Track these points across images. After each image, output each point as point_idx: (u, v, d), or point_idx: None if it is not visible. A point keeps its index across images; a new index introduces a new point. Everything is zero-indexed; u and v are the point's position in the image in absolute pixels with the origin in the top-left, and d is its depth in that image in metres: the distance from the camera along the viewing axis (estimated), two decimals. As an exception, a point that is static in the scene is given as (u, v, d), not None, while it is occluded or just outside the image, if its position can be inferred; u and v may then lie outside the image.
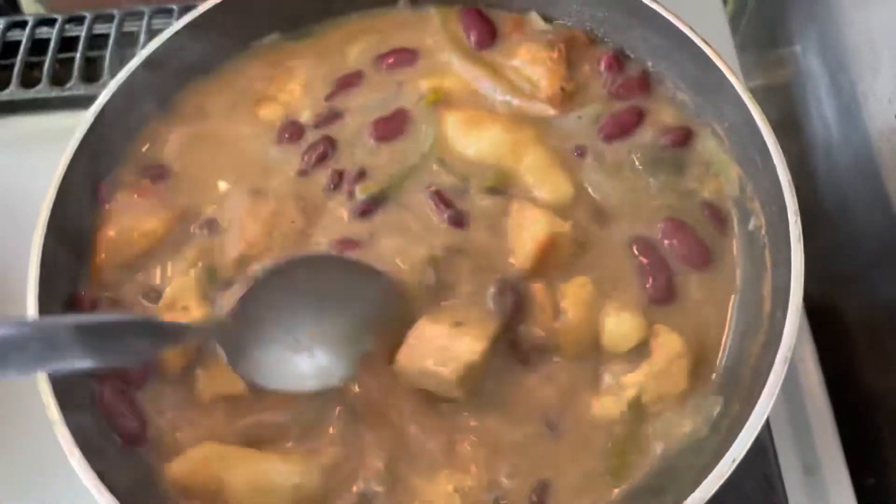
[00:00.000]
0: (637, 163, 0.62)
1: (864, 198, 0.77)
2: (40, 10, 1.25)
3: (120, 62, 0.90)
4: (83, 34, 0.93)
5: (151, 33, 0.92)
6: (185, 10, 0.91)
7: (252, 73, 0.70)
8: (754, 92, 0.99)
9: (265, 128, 0.66)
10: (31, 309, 0.54)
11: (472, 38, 0.69)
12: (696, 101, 0.63)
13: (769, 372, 0.49)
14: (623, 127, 0.63)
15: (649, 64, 0.66)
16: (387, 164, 0.62)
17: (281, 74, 0.69)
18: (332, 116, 0.66)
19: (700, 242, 0.59)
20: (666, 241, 0.59)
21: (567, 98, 0.64)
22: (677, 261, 0.58)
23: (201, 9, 0.66)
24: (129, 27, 0.94)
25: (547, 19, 0.70)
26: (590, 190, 0.61)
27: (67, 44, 0.93)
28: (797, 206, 0.53)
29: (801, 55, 0.87)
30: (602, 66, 0.66)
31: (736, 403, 0.52)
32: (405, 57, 0.69)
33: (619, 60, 0.66)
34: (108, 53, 0.91)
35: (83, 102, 0.88)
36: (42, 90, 0.89)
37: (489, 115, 0.64)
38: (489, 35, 0.69)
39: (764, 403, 0.48)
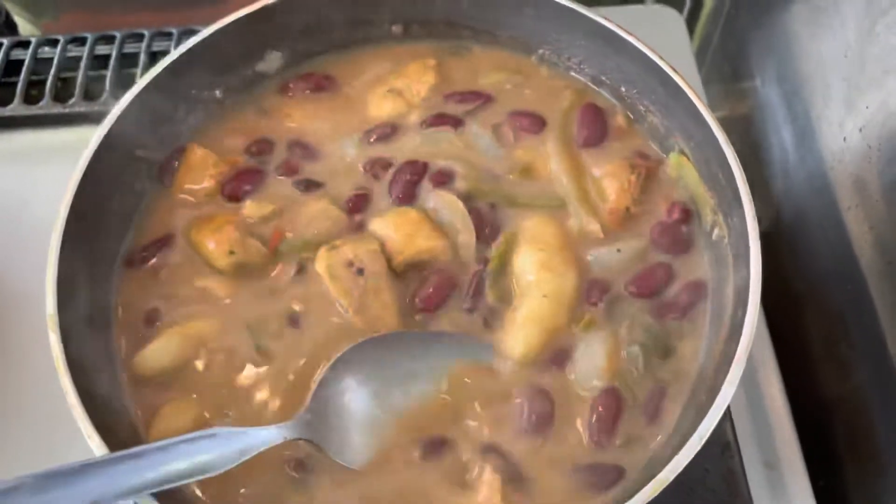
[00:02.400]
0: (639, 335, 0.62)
1: (819, 215, 0.83)
2: (35, 32, 1.30)
3: (119, 81, 0.95)
4: (85, 54, 0.97)
5: (151, 55, 0.97)
6: (184, 33, 0.97)
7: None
8: (720, 122, 1.06)
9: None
10: (51, 309, 0.57)
11: (582, 135, 0.71)
12: (665, 123, 0.69)
13: (731, 363, 0.54)
14: (652, 287, 0.64)
15: (623, 89, 0.72)
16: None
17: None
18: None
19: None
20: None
21: (626, 219, 0.66)
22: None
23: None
24: (129, 49, 0.98)
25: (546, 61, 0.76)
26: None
27: (69, 63, 0.97)
28: (755, 213, 0.58)
29: (761, 86, 0.94)
30: (668, 210, 0.67)
31: (702, 395, 0.57)
32: (535, 124, 0.71)
33: (686, 213, 0.67)
34: (109, 73, 0.95)
35: (84, 119, 0.93)
36: (44, 107, 0.93)
37: (561, 262, 0.63)
38: (598, 137, 0.70)
39: (727, 391, 0.52)
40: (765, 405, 0.77)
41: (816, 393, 0.88)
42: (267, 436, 0.52)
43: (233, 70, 0.73)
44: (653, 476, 0.49)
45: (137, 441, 0.57)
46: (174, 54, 0.68)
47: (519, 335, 0.61)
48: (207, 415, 0.58)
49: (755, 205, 0.58)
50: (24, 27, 1.26)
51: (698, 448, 0.50)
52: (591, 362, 0.59)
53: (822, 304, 0.87)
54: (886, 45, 0.65)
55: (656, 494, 0.48)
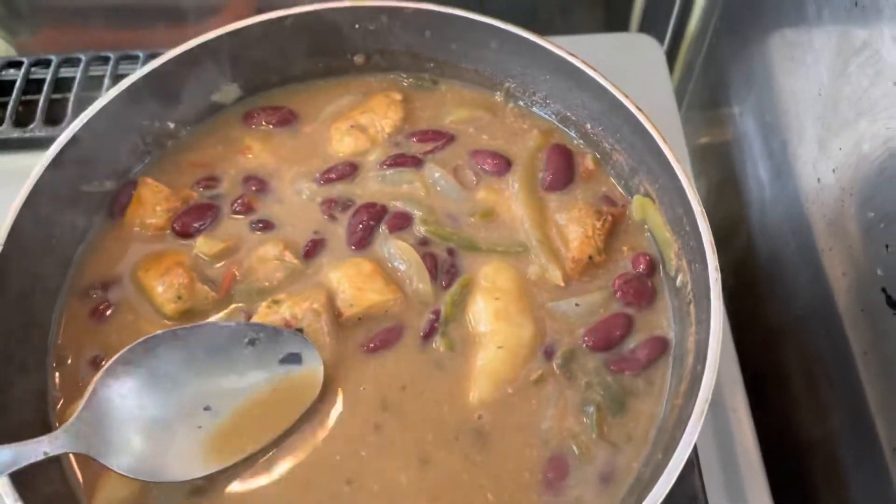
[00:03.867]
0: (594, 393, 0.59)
1: (795, 253, 0.81)
2: (10, 50, 1.28)
3: (81, 106, 0.93)
4: (48, 77, 0.95)
5: (116, 78, 0.95)
6: (150, 56, 0.95)
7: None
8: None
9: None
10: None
11: (546, 177, 0.69)
12: (630, 162, 0.67)
13: (688, 420, 0.51)
14: (609, 340, 0.61)
15: (588, 126, 0.70)
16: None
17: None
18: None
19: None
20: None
21: (589, 267, 0.64)
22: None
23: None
24: (94, 71, 0.96)
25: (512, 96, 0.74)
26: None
27: (33, 86, 0.95)
28: (717, 264, 0.56)
29: (739, 117, 0.92)
30: (632, 260, 0.65)
31: (659, 452, 0.55)
32: (499, 165, 0.69)
33: (652, 265, 0.65)
34: (71, 96, 0.93)
35: (44, 144, 0.90)
36: (4, 130, 0.91)
37: (518, 311, 0.62)
38: (564, 181, 0.69)
39: (682, 450, 0.50)
40: (736, 453, 0.75)
41: (794, 434, 0.86)
42: (24, 453, 0.49)
43: (187, 100, 0.71)
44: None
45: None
46: (122, 84, 0.66)
47: (473, 386, 0.59)
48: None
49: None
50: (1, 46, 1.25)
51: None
52: (541, 420, 0.57)
53: (802, 342, 0.85)
54: (859, 87, 0.63)
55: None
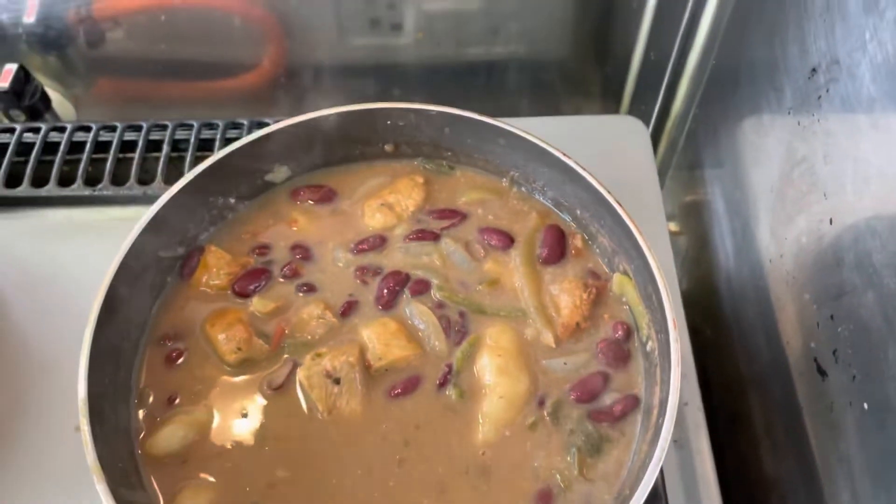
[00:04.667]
0: (577, 437, 0.72)
1: (755, 317, 0.94)
2: (66, 103, 1.43)
3: (143, 168, 1.08)
4: (115, 140, 1.09)
5: (173, 143, 1.09)
6: (204, 125, 1.09)
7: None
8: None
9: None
10: (82, 393, 0.68)
11: (543, 253, 0.82)
12: (612, 245, 0.81)
13: (650, 464, 0.65)
14: (591, 394, 0.74)
15: (579, 212, 0.84)
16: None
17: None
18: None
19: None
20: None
21: (576, 331, 0.77)
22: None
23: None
24: (153, 136, 1.11)
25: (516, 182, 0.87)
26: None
27: (101, 147, 1.10)
28: (678, 336, 0.69)
29: (712, 195, 1.06)
30: (612, 326, 0.78)
31: (627, 489, 0.68)
32: (504, 241, 0.82)
33: (628, 331, 0.78)
34: (135, 159, 1.07)
35: (111, 201, 1.05)
36: (76, 189, 1.05)
37: (516, 367, 0.74)
38: (557, 256, 0.82)
39: (644, 488, 0.63)
40: (699, 489, 0.87)
41: (755, 472, 0.98)
42: None
43: (246, 179, 0.85)
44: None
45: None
46: (199, 168, 0.80)
47: (478, 428, 0.72)
48: (221, 496, 0.69)
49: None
50: (56, 98, 1.40)
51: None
52: (533, 459, 0.71)
53: (762, 392, 0.97)
54: (799, 191, 0.77)
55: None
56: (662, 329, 0.72)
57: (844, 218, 0.68)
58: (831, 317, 0.70)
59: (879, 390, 0.62)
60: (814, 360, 0.74)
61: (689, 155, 1.20)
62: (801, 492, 0.88)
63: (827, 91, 0.70)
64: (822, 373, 0.73)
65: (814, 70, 0.72)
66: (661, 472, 0.79)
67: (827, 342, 0.71)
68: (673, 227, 1.33)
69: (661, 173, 1.27)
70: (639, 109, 1.30)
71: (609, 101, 1.39)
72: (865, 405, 0.64)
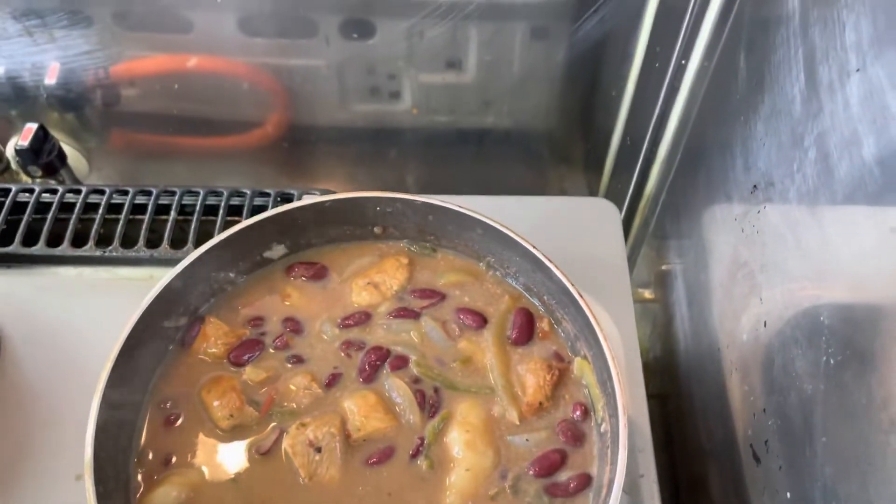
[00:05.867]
0: None
1: (709, 396, 1.02)
2: (81, 159, 1.52)
3: (151, 231, 1.16)
4: (127, 202, 1.18)
5: (180, 208, 1.18)
6: (210, 192, 1.18)
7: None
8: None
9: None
10: (88, 454, 0.76)
11: (513, 335, 0.89)
12: (574, 331, 0.89)
13: (595, 541, 0.72)
14: (547, 470, 0.81)
15: (546, 298, 0.92)
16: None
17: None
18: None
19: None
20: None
21: (539, 410, 0.84)
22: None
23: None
24: (163, 200, 1.20)
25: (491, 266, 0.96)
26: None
27: (113, 208, 1.19)
28: (626, 422, 0.77)
29: (674, 278, 1.15)
30: (572, 407, 0.85)
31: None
32: (477, 321, 0.90)
33: (586, 412, 0.85)
34: (144, 223, 1.16)
35: (121, 262, 1.13)
36: (87, 250, 1.13)
37: (482, 443, 0.82)
38: (525, 337, 0.89)
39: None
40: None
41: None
42: None
43: (247, 256, 0.94)
44: None
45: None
46: (206, 245, 0.87)
47: (445, 497, 0.80)
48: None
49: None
50: (71, 153, 1.49)
51: None
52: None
53: (720, 463, 1.05)
54: (741, 292, 0.86)
55: None
56: (615, 414, 0.80)
57: (775, 324, 0.76)
58: (764, 410, 0.78)
59: (798, 481, 0.70)
60: (750, 446, 0.82)
61: (660, 234, 1.29)
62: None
63: (764, 207, 0.79)
64: (756, 459, 0.81)
65: (755, 187, 0.81)
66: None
67: (761, 432, 0.79)
68: (648, 294, 1.42)
69: (637, 244, 1.36)
70: (616, 187, 1.40)
71: (591, 175, 1.49)
72: (788, 494, 0.72)
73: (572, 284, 0.86)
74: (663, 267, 1.31)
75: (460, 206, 0.92)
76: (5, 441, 0.98)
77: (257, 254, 0.95)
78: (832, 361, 0.63)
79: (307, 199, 0.92)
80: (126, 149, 1.63)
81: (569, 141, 1.54)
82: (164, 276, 0.84)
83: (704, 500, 1.08)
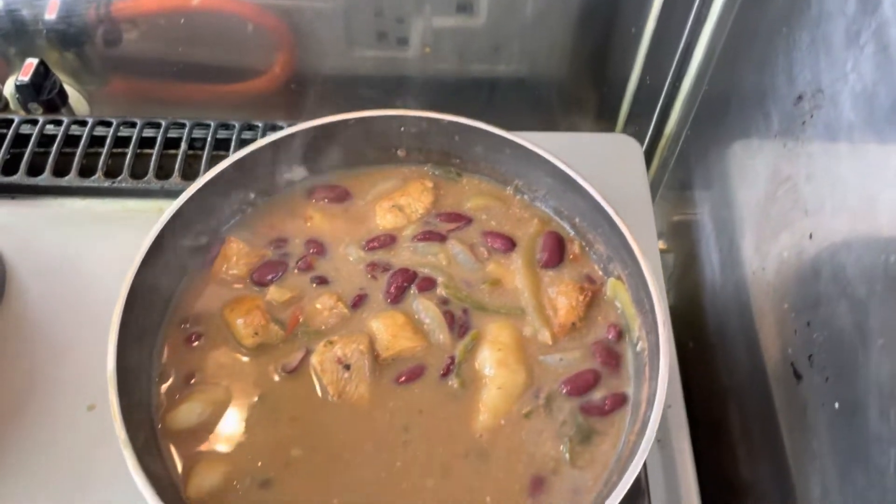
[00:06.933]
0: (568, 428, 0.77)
1: (737, 329, 1.00)
2: (82, 100, 1.47)
3: (162, 163, 1.12)
4: (134, 135, 1.14)
5: (190, 142, 1.14)
6: (220, 126, 1.14)
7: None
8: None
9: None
10: (111, 366, 0.72)
11: (543, 257, 0.87)
12: (608, 252, 0.86)
13: (637, 452, 0.70)
14: (582, 389, 0.79)
15: (577, 220, 0.90)
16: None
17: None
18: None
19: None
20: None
21: (571, 331, 0.82)
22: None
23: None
24: (172, 133, 1.16)
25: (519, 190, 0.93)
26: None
27: (120, 142, 1.15)
28: (668, 336, 0.75)
29: (700, 213, 1.13)
30: (605, 328, 0.83)
31: (615, 475, 0.73)
32: (506, 245, 0.88)
33: (620, 333, 0.83)
34: (154, 154, 1.12)
35: (130, 193, 1.09)
36: (96, 180, 1.09)
37: (514, 361, 0.79)
38: (556, 260, 0.87)
39: (631, 473, 0.68)
40: (679, 486, 0.93)
41: (732, 476, 1.04)
42: None
43: (266, 177, 0.91)
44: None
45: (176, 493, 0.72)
46: (225, 163, 0.84)
47: (477, 416, 0.78)
48: (235, 468, 0.73)
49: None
50: (72, 94, 1.44)
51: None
52: (528, 445, 0.76)
53: (740, 401, 1.03)
54: (783, 208, 0.83)
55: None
56: (653, 330, 0.77)
57: (823, 233, 0.74)
58: (808, 323, 0.76)
59: (850, 390, 0.68)
60: (790, 364, 0.80)
61: (680, 175, 1.26)
62: (776, 494, 0.94)
63: (811, 117, 0.76)
64: (797, 376, 0.79)
65: (799, 97, 0.78)
66: (645, 469, 0.84)
67: (803, 348, 0.77)
68: (661, 245, 1.39)
69: (652, 192, 1.33)
70: (633, 130, 1.37)
71: (604, 121, 1.45)
72: (837, 405, 0.70)
73: (606, 201, 0.84)
74: (678, 217, 1.29)
75: (489, 126, 0.89)
76: (16, 372, 0.94)
77: (277, 176, 0.91)
78: (892, 259, 0.61)
79: (329, 118, 0.89)
80: (128, 94, 1.58)
81: (582, 85, 1.51)
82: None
83: (723, 442, 1.06)
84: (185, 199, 0.82)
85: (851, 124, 0.69)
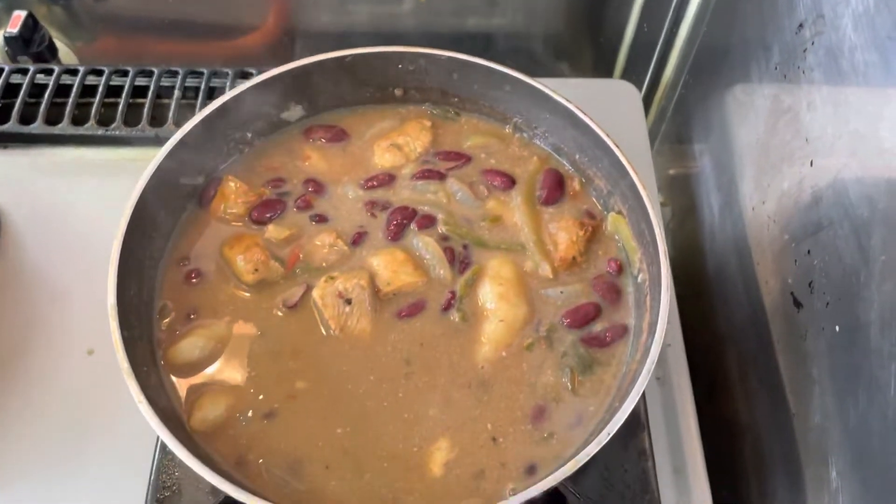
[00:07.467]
0: (570, 359, 0.77)
1: (735, 270, 1.00)
2: (71, 54, 1.45)
3: (153, 111, 1.11)
4: (127, 84, 1.13)
5: (184, 90, 1.13)
6: (213, 74, 1.13)
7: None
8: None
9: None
10: (111, 299, 0.72)
11: (542, 194, 0.87)
12: (608, 187, 0.86)
13: (638, 377, 0.70)
14: (582, 321, 0.79)
15: (577, 157, 0.89)
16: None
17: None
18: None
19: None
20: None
21: (572, 265, 0.82)
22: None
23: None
24: (164, 82, 1.14)
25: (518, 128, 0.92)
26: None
27: (113, 91, 1.13)
28: (668, 265, 0.75)
29: (699, 156, 1.12)
30: (606, 262, 0.83)
31: (616, 402, 0.74)
32: (506, 182, 0.87)
33: (621, 267, 0.83)
34: (147, 103, 1.11)
35: (123, 141, 1.08)
36: (89, 128, 1.08)
37: (515, 295, 0.79)
38: (555, 197, 0.87)
39: (632, 399, 0.69)
40: (678, 422, 0.93)
41: (730, 419, 1.05)
42: None
43: (262, 117, 0.90)
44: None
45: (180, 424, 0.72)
46: (217, 102, 0.84)
47: (479, 348, 0.78)
48: (238, 401, 0.73)
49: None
50: (61, 48, 1.42)
51: (606, 440, 0.66)
52: (530, 376, 0.76)
53: (739, 344, 1.03)
54: (783, 140, 0.83)
55: (573, 471, 0.64)
56: (654, 261, 0.77)
57: (824, 160, 0.74)
58: (808, 252, 0.76)
59: (850, 311, 0.68)
60: (790, 294, 0.80)
61: (678, 122, 1.25)
62: (774, 430, 0.95)
63: (812, 43, 0.75)
64: (797, 304, 0.79)
65: (800, 25, 0.78)
66: (645, 404, 0.85)
67: (803, 276, 0.77)
68: (660, 199, 1.39)
69: (650, 143, 1.32)
70: (630, 79, 1.36)
71: (601, 71, 1.44)
72: (837, 328, 0.70)
73: (607, 135, 0.83)
74: (675, 170, 1.28)
75: (488, 62, 0.88)
76: (13, 318, 0.94)
77: (274, 115, 0.91)
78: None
79: (324, 55, 0.88)
80: (119, 51, 1.55)
81: (579, 37, 1.49)
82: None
83: (721, 389, 1.07)
84: (183, 135, 0.81)
85: (853, 46, 0.68)
